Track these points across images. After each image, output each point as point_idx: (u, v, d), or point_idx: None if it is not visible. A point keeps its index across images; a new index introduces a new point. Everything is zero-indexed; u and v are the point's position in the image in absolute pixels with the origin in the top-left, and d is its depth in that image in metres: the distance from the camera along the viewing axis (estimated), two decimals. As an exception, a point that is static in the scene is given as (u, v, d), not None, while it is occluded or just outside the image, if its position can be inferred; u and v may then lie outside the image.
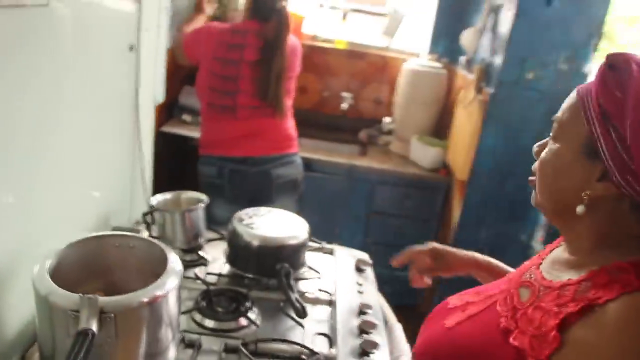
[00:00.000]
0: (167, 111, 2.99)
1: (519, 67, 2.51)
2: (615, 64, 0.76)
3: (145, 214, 1.56)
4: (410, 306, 1.70)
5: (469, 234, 2.82)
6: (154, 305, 0.98)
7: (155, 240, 1.16)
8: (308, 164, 2.69)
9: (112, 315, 0.92)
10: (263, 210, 1.63)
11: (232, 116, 2.31)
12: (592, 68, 2.52)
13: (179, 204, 1.61)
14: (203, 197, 1.62)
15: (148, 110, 1.81)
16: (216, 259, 1.61)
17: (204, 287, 1.42)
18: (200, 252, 1.60)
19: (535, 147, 0.89)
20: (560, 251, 0.89)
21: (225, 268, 1.57)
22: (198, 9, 2.69)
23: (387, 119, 3.46)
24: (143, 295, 0.97)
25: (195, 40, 2.32)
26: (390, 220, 3.13)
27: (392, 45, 3.56)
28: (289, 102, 2.42)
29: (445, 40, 3.49)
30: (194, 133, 2.84)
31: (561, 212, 0.84)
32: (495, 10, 2.71)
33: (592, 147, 0.76)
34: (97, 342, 0.89)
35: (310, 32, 3.54)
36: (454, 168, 2.94)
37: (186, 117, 3.01)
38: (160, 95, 1.94)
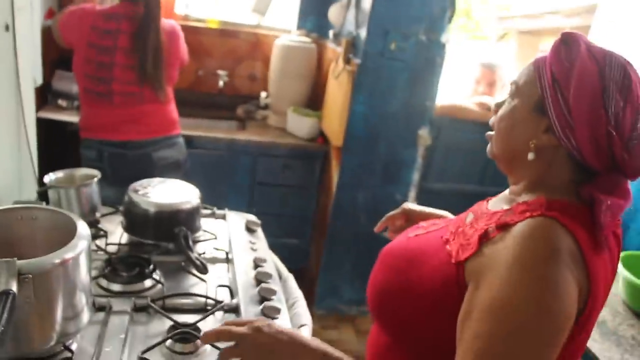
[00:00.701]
0: (41, 96, 2.90)
1: (382, 38, 2.70)
2: (568, 41, 0.93)
3: (39, 192, 1.58)
4: (296, 269, 1.86)
5: (347, 197, 3.01)
6: (69, 265, 1.04)
7: (60, 209, 1.21)
8: (189, 141, 2.73)
9: (30, 276, 0.98)
10: (156, 180, 1.71)
11: (108, 103, 2.29)
12: (449, 38, 2.78)
13: (72, 181, 1.64)
14: (95, 172, 1.67)
15: (29, 92, 1.81)
16: (113, 231, 1.67)
17: (105, 257, 1.48)
18: (98, 226, 1.64)
19: (493, 106, 1.07)
20: (506, 191, 1.09)
21: (124, 238, 1.63)
22: None
23: (263, 94, 3.58)
24: (58, 256, 1.03)
25: (69, 22, 2.25)
26: (273, 190, 3.27)
27: (263, 22, 3.66)
28: (169, 89, 2.42)
29: (314, 16, 3.65)
30: (72, 118, 2.80)
31: (511, 159, 1.01)
32: (358, -15, 2.88)
33: (542, 105, 0.93)
34: (17, 304, 0.94)
35: (182, 12, 3.56)
36: (330, 136, 3.11)
37: (62, 102, 2.94)
38: (38, 77, 1.93)
